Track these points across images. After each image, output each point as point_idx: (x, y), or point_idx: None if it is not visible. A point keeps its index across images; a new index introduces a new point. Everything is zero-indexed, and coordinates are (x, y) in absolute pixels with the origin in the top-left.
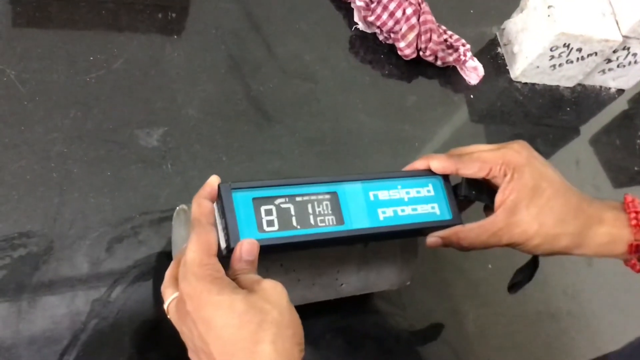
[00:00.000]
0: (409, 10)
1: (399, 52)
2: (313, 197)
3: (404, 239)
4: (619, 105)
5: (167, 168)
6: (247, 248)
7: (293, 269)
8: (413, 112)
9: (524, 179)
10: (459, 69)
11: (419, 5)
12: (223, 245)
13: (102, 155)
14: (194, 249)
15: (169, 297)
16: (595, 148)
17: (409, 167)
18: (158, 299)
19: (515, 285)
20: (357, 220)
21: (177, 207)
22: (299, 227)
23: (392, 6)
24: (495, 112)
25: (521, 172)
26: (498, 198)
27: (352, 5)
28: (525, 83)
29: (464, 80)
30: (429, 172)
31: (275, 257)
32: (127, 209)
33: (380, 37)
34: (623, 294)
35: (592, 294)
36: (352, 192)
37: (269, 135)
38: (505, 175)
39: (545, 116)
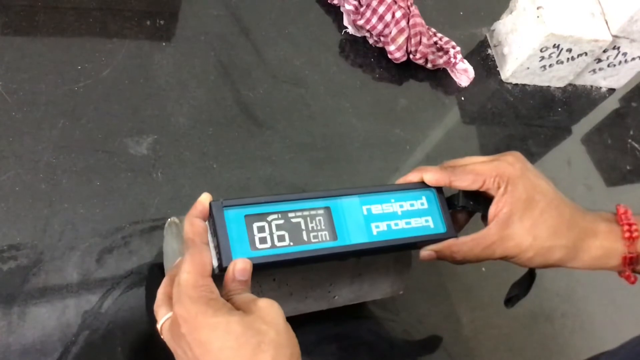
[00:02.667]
0: (398, 14)
1: (389, 56)
2: (306, 213)
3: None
4: (610, 105)
5: (157, 176)
6: (240, 267)
7: (286, 282)
8: (404, 115)
9: (518, 192)
10: (449, 71)
11: (408, 8)
12: (215, 264)
13: (91, 164)
14: (188, 269)
15: (162, 317)
16: (587, 148)
17: (402, 180)
18: (150, 310)
19: (512, 299)
20: (351, 236)
21: (169, 219)
22: (292, 244)
23: (381, 10)
24: (486, 113)
25: (514, 184)
26: (491, 211)
27: (342, 9)
28: (516, 84)
29: (455, 82)
30: (422, 185)
31: (268, 271)
32: (117, 219)
33: (370, 41)
34: (617, 294)
35: (586, 295)
36: (345, 206)
37: (260, 141)
38: (498, 187)
39: (537, 117)
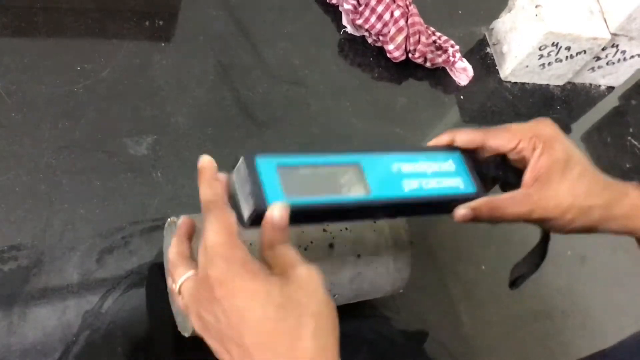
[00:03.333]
0: (397, 13)
1: (388, 55)
2: (337, 167)
3: (396, 249)
4: (610, 103)
5: (157, 176)
6: (278, 212)
7: None
8: (403, 114)
9: (556, 152)
10: (448, 70)
11: (407, 7)
12: (247, 213)
13: (91, 165)
14: (216, 229)
15: (182, 276)
16: (586, 146)
17: (433, 142)
18: (150, 310)
19: (517, 280)
20: (383, 191)
21: (169, 219)
22: (324, 194)
23: (380, 9)
24: (485, 112)
25: (552, 145)
26: (529, 172)
27: (340, 9)
28: (515, 82)
29: (454, 81)
30: (449, 148)
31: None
32: (117, 219)
33: (369, 40)
34: (616, 291)
35: (586, 292)
36: (376, 163)
37: (260, 140)
38: (534, 148)
39: (536, 115)
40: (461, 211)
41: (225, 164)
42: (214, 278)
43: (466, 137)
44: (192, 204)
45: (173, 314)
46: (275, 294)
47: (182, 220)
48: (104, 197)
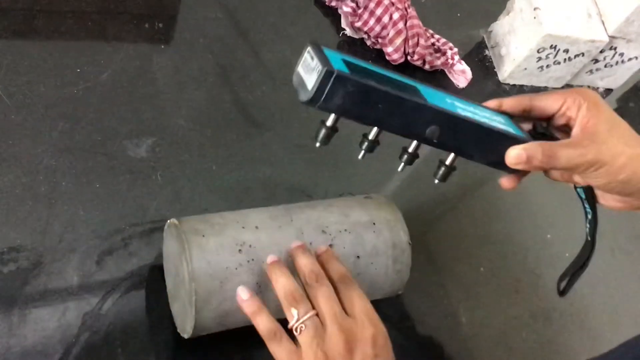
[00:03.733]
0: (395, 15)
1: (387, 57)
2: (396, 81)
3: (395, 250)
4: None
5: (157, 178)
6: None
7: None
8: None
9: (602, 109)
10: (447, 73)
11: (406, 10)
12: (313, 79)
13: (91, 167)
14: (358, 288)
15: (308, 313)
16: None
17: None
18: (150, 311)
19: (567, 286)
20: (439, 104)
21: (168, 221)
22: (383, 86)
23: (378, 11)
24: None
25: (597, 105)
26: (577, 125)
27: (339, 11)
28: (514, 85)
29: (453, 83)
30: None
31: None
32: (116, 221)
33: (368, 42)
34: (615, 293)
35: (585, 294)
36: (431, 92)
37: (259, 142)
38: (580, 106)
39: None
40: (515, 151)
41: (225, 165)
42: (377, 336)
43: (514, 100)
44: (192, 206)
45: (173, 316)
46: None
47: (276, 258)
48: (104, 199)
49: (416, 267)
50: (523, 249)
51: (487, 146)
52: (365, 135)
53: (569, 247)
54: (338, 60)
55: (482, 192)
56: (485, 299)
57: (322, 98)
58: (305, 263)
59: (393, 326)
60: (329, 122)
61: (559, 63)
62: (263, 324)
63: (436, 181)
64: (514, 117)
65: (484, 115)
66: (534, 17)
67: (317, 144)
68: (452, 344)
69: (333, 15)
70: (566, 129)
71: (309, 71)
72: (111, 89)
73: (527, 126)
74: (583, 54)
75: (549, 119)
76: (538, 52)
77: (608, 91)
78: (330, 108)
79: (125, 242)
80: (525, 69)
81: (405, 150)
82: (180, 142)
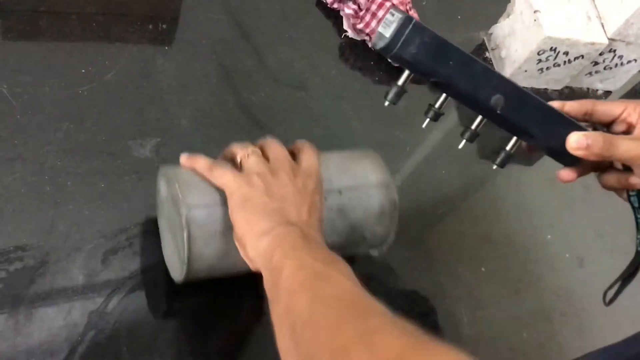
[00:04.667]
0: None
1: (389, 59)
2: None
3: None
4: None
5: None
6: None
7: None
8: (404, 117)
9: None
10: None
11: (407, 12)
12: (392, 28)
13: (96, 167)
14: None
15: (250, 150)
16: None
17: None
18: (155, 309)
19: (615, 295)
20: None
21: (161, 168)
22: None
23: (380, 13)
24: None
25: None
26: (638, 129)
27: (341, 13)
28: None
29: None
30: None
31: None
32: (121, 220)
33: (370, 44)
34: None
35: (585, 294)
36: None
37: None
38: None
39: None
40: (575, 136)
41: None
42: (312, 165)
43: (576, 103)
44: None
45: (167, 267)
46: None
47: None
48: (109, 199)
49: (416, 267)
50: (524, 250)
51: (549, 128)
52: (431, 105)
53: (570, 248)
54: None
55: (482, 192)
56: (486, 299)
57: (399, 44)
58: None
59: None
60: (400, 81)
61: (558, 65)
62: (200, 162)
63: (494, 166)
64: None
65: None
66: (534, 20)
67: (386, 103)
68: (452, 343)
69: (335, 17)
70: (628, 130)
71: (389, 25)
72: (115, 89)
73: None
74: (583, 57)
75: (609, 124)
76: (538, 54)
77: (607, 93)
78: (404, 56)
79: (130, 242)
80: (526, 71)
81: (467, 128)
82: (184, 142)
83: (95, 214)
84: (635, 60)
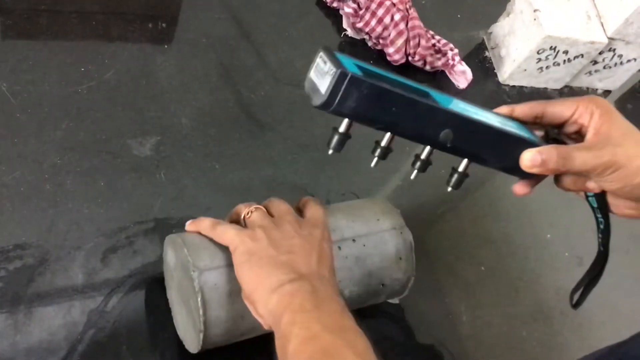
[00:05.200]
0: (397, 16)
1: (388, 58)
2: (408, 87)
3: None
4: None
5: (161, 177)
6: None
7: None
8: None
9: (614, 117)
10: (447, 73)
11: (407, 11)
12: (327, 82)
13: (96, 165)
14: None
15: (253, 208)
16: None
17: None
18: (154, 308)
19: (581, 298)
20: (451, 106)
21: (168, 237)
22: (398, 90)
23: (380, 12)
24: None
25: (609, 111)
26: (590, 130)
27: (341, 12)
28: (513, 86)
29: (453, 84)
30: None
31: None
32: (121, 219)
33: (369, 43)
34: (614, 292)
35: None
36: (444, 98)
37: (262, 142)
38: (592, 113)
39: None
40: (529, 154)
41: (228, 164)
42: (318, 215)
43: (525, 107)
44: (195, 204)
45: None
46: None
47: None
48: (109, 197)
49: (417, 267)
50: (523, 249)
51: (501, 150)
52: (378, 142)
53: (569, 247)
54: (351, 64)
55: (482, 192)
56: (486, 298)
57: (336, 101)
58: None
59: (394, 325)
60: (341, 129)
61: (558, 64)
62: (204, 223)
63: (449, 189)
64: (525, 123)
65: (496, 119)
66: (534, 19)
67: (330, 151)
68: (453, 342)
69: (335, 16)
70: (578, 137)
71: (322, 75)
72: (115, 88)
73: (539, 133)
74: (582, 56)
75: (560, 126)
76: (538, 53)
77: (607, 92)
78: (343, 111)
79: (129, 240)
80: (525, 70)
81: (417, 157)
82: (184, 141)
83: (95, 213)
84: (635, 59)
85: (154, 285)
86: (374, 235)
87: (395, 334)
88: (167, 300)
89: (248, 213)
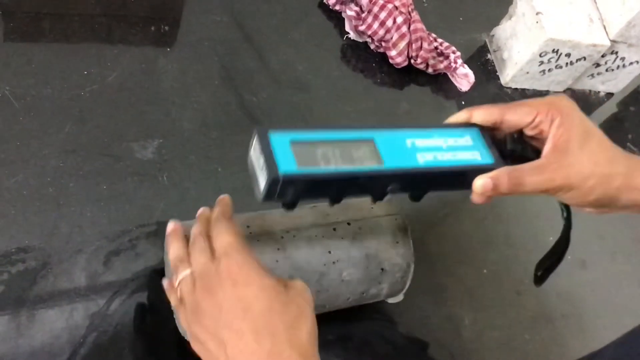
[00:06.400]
0: (399, 19)
1: (391, 61)
2: (350, 142)
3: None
4: (609, 109)
5: (163, 180)
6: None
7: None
8: (405, 119)
9: (574, 122)
10: (450, 76)
11: (409, 14)
12: (262, 183)
13: (98, 168)
14: (229, 232)
15: (182, 272)
16: None
17: (450, 120)
18: (157, 311)
19: (542, 276)
20: (397, 162)
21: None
22: (338, 165)
23: (382, 15)
24: None
25: (570, 116)
26: (549, 142)
27: (343, 15)
28: (516, 89)
29: (455, 87)
30: (466, 125)
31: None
32: (123, 222)
33: (372, 46)
34: (616, 295)
35: (586, 296)
36: (389, 139)
37: None
38: (552, 119)
39: None
40: (480, 181)
41: (230, 167)
42: (231, 267)
43: (484, 113)
44: (197, 207)
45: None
46: (282, 292)
47: (175, 226)
48: (111, 200)
49: (419, 269)
50: (525, 252)
51: (452, 184)
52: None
53: (571, 250)
54: (285, 148)
55: None
56: (488, 301)
57: (275, 197)
58: (196, 226)
59: (395, 327)
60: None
61: (560, 67)
62: (173, 245)
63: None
64: (485, 128)
65: (449, 145)
66: (536, 22)
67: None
68: (455, 345)
69: (337, 18)
70: (539, 140)
71: (258, 167)
72: (117, 91)
73: (500, 134)
74: (585, 58)
75: (521, 130)
76: (540, 56)
77: (609, 95)
78: (286, 200)
79: (132, 243)
80: (527, 72)
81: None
82: (186, 144)
83: (97, 216)
84: (637, 61)
85: (156, 288)
86: (368, 220)
87: (396, 336)
88: (169, 303)
89: (178, 282)
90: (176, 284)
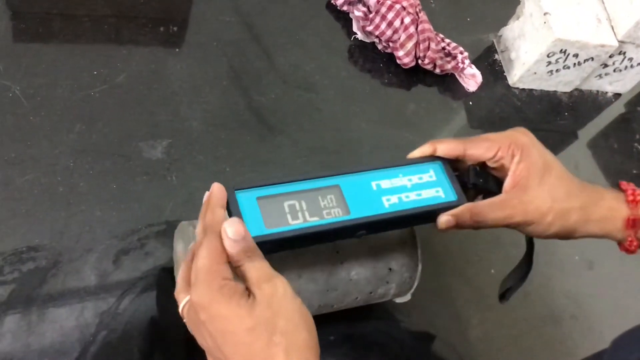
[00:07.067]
0: (407, 20)
1: (398, 61)
2: (316, 192)
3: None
4: (616, 109)
5: (172, 179)
6: (232, 229)
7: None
8: (413, 119)
9: (534, 158)
10: (457, 77)
11: (417, 14)
12: None
13: (108, 168)
14: (204, 255)
15: (182, 301)
16: (593, 152)
17: (414, 153)
18: (166, 310)
19: (506, 293)
20: (363, 209)
21: (180, 223)
22: (305, 220)
23: (390, 16)
24: (493, 118)
25: (529, 151)
26: (509, 178)
27: (351, 16)
28: (523, 89)
29: (463, 87)
30: (429, 158)
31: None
32: (133, 221)
33: (379, 47)
34: (624, 296)
35: (594, 297)
36: (354, 183)
37: (272, 145)
38: (513, 155)
39: (543, 121)
40: (444, 218)
41: (239, 167)
42: (196, 303)
43: (447, 147)
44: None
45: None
46: (245, 318)
47: (191, 246)
48: (120, 200)
49: (426, 269)
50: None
51: (418, 221)
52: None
53: (579, 250)
54: (253, 207)
55: None
56: (495, 302)
57: None
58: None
59: (403, 327)
60: None
61: (568, 67)
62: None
63: None
64: (449, 160)
65: (413, 184)
66: (544, 22)
67: None
68: (462, 345)
69: (344, 19)
70: (501, 172)
71: None
72: (127, 91)
73: (463, 166)
74: (592, 59)
75: (484, 162)
76: (548, 56)
77: (617, 96)
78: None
79: (141, 242)
80: (535, 73)
81: None
82: (195, 144)
83: (107, 215)
84: None
85: (166, 286)
86: None
87: (404, 336)
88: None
89: (181, 308)
90: (180, 311)
